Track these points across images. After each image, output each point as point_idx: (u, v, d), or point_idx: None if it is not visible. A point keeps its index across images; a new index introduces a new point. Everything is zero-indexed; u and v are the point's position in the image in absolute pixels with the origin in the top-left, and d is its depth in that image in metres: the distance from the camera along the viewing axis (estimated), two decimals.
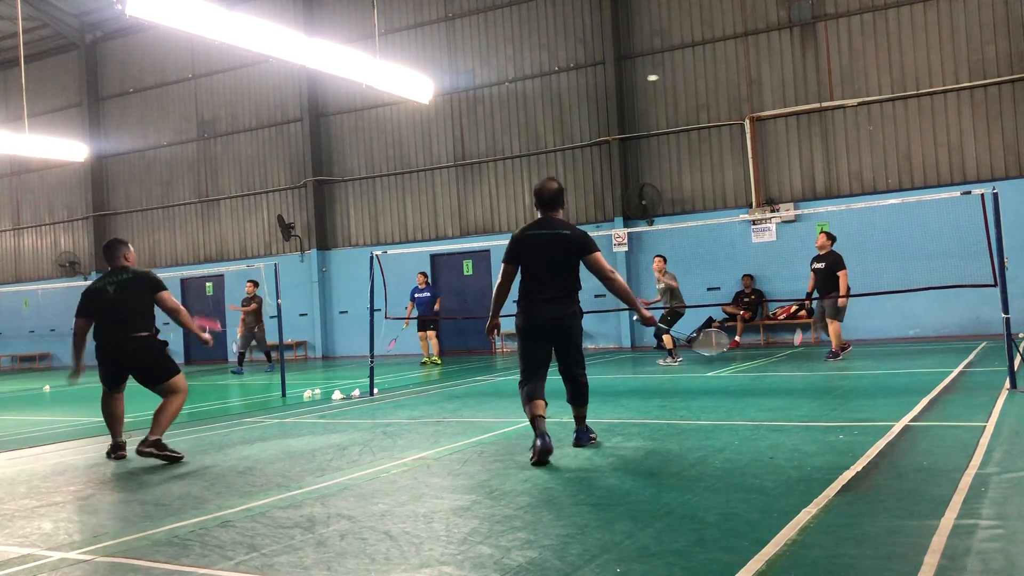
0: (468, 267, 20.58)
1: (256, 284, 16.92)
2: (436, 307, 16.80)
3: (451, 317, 20.53)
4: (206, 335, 7.17)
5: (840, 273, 12.27)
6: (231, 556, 3.78)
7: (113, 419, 6.94)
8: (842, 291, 12.08)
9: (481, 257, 20.26)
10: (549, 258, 5.75)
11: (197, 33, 9.90)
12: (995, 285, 8.28)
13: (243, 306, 16.95)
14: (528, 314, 5.79)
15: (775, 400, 8.23)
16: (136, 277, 6.88)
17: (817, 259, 12.67)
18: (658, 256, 13.53)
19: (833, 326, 12.32)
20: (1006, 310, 8.23)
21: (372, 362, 11.40)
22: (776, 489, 4.46)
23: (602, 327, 18.49)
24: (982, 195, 8.56)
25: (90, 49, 25.84)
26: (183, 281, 24.32)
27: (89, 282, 7.27)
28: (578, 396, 6.00)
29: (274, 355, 16.32)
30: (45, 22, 24.93)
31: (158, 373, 6.81)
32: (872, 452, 5.25)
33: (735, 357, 13.89)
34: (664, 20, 18.37)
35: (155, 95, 24.99)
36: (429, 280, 16.85)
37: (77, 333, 6.89)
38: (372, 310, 11.57)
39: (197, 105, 24.27)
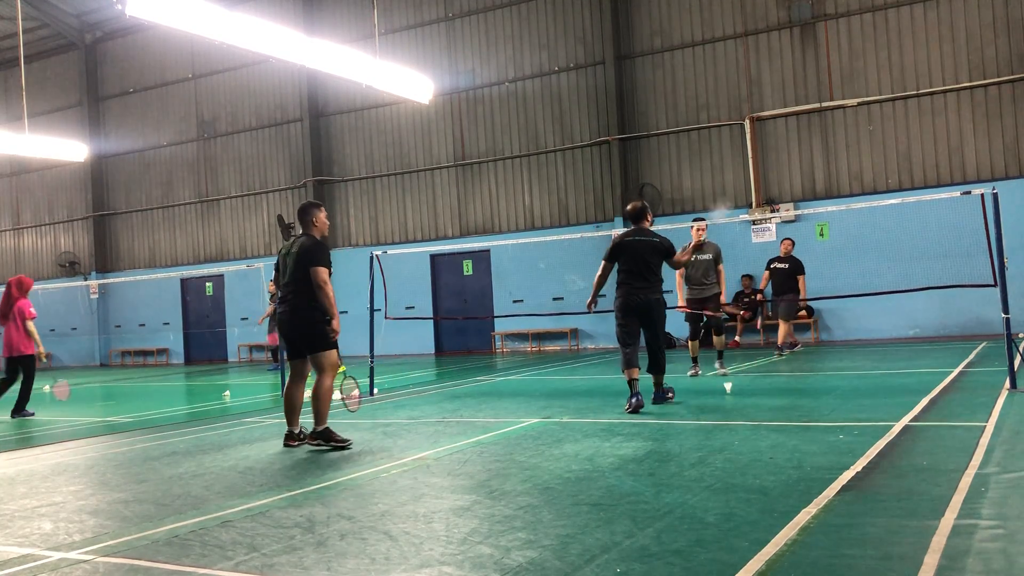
0: (468, 267, 20.58)
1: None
2: None
3: (451, 317, 20.56)
4: (336, 323, 7.06)
5: (800, 277, 13.40)
6: (231, 556, 3.78)
7: (288, 407, 6.98)
8: (803, 294, 13.32)
9: (481, 257, 20.26)
10: (642, 258, 7.84)
11: (197, 33, 9.89)
12: (995, 285, 8.29)
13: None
14: (626, 298, 7.84)
15: (775, 400, 8.23)
16: (302, 249, 7.00)
17: (779, 260, 13.68)
18: (701, 218, 11.66)
19: (786, 326, 13.60)
20: (1006, 310, 8.23)
21: (372, 362, 11.41)
22: (776, 489, 4.46)
23: (601, 327, 18.47)
24: (982, 195, 8.56)
25: (90, 49, 25.84)
26: (183, 281, 24.34)
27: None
28: (657, 363, 7.96)
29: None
30: (45, 22, 24.94)
31: (308, 345, 6.87)
32: (872, 452, 5.25)
33: (735, 357, 13.89)
34: (664, 20, 18.37)
35: (155, 95, 24.99)
36: None
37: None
38: (372, 310, 11.57)
39: (197, 105, 24.27)
